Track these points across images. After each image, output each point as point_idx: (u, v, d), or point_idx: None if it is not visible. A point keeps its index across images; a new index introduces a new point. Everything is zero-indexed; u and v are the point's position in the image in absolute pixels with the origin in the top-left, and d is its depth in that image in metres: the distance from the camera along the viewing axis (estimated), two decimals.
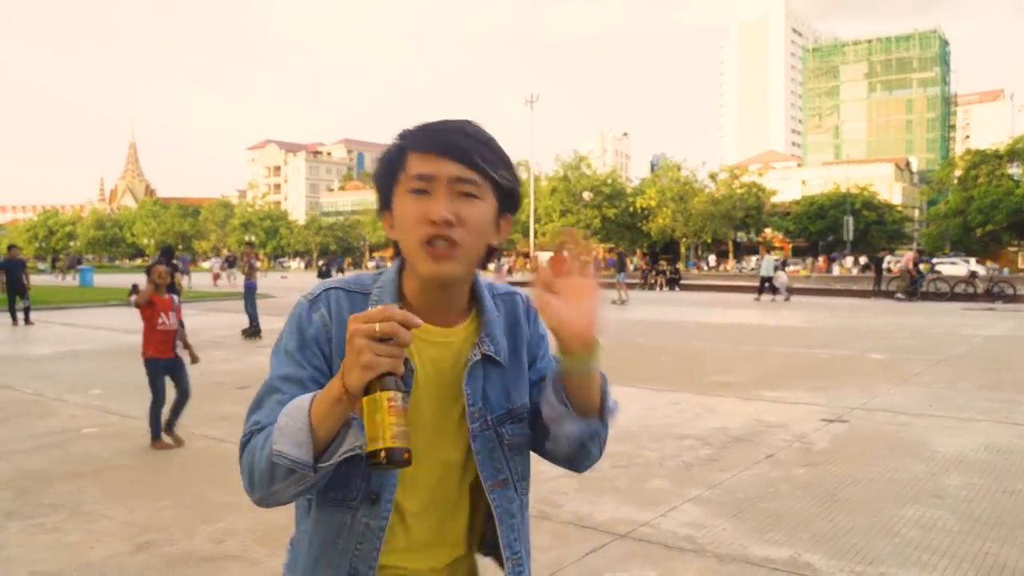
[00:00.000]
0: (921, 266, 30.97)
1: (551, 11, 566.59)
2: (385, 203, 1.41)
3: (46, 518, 4.90)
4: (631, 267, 44.70)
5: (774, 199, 71.88)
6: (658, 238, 69.93)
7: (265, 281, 32.76)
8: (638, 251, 63.05)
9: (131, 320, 18.98)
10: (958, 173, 67.05)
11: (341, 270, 46.40)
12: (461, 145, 1.33)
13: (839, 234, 63.34)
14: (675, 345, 14.21)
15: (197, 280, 38.77)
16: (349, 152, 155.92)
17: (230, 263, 43.74)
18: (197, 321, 16.11)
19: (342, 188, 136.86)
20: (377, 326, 1.12)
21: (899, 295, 27.60)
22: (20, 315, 18.03)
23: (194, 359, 7.12)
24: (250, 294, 15.55)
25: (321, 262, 41.94)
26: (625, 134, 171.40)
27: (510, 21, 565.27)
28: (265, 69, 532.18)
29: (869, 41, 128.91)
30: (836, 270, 57.94)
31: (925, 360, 11.75)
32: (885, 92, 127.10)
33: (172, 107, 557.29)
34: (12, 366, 11.63)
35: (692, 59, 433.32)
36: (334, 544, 1.39)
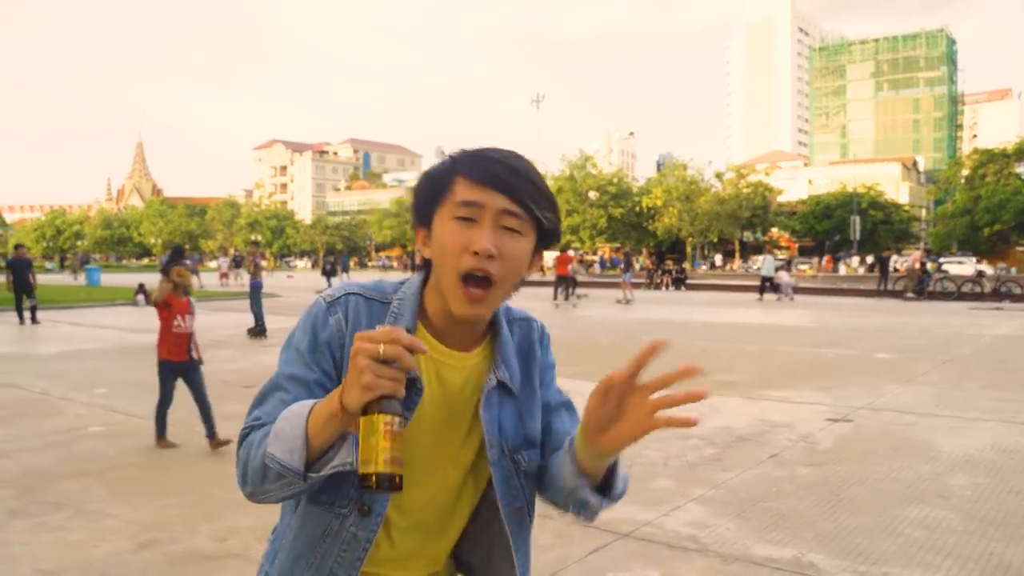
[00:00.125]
0: (928, 265, 30.90)
1: (557, 10, 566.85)
2: (424, 220, 1.39)
3: (50, 516, 4.91)
4: (637, 267, 44.69)
5: (780, 199, 71.71)
6: (664, 238, 69.88)
7: (271, 280, 32.87)
8: (644, 250, 63.02)
9: (137, 319, 19.10)
10: (965, 172, 66.89)
11: (346, 270, 46.42)
12: (511, 181, 1.32)
13: (846, 234, 63.14)
14: (680, 344, 14.18)
15: (206, 280, 38.82)
16: (355, 152, 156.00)
17: (237, 263, 43.81)
18: (203, 320, 16.03)
19: (348, 188, 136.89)
20: (382, 348, 1.11)
21: (909, 294, 27.52)
22: (27, 314, 18.08)
23: (199, 360, 7.07)
24: (256, 293, 15.56)
25: (329, 260, 41.94)
26: (631, 133, 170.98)
27: (516, 21, 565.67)
28: (271, 69, 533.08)
29: (876, 40, 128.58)
30: (843, 270, 57.84)
31: (931, 360, 11.72)
32: (892, 91, 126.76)
33: (179, 107, 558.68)
34: (19, 365, 11.66)
35: (698, 59, 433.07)
36: (318, 546, 1.38)
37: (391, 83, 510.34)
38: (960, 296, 28.01)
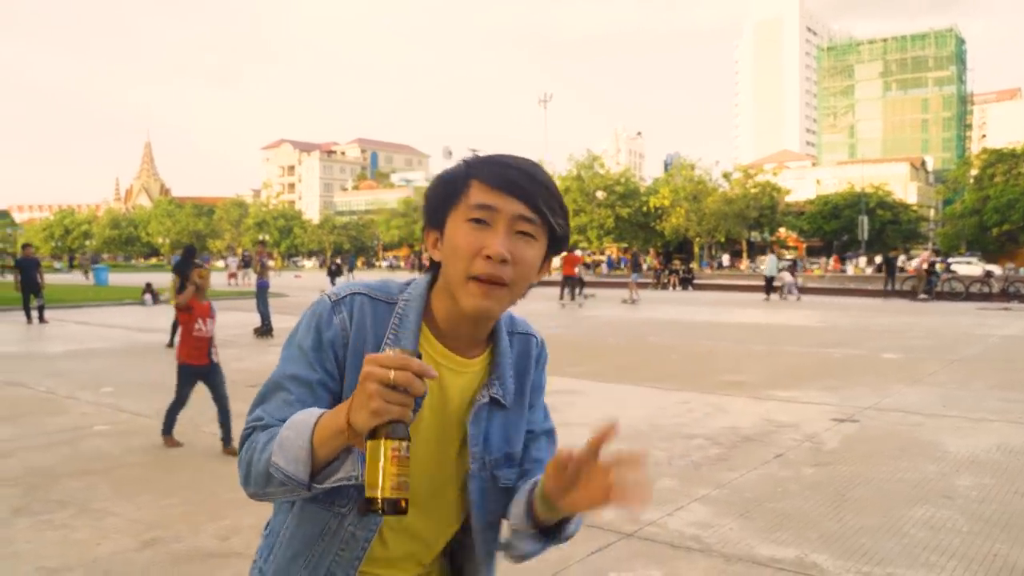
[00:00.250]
0: (937, 265, 30.81)
1: (564, 10, 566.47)
2: (436, 222, 1.39)
3: (54, 514, 4.92)
4: (644, 267, 44.65)
5: (788, 198, 71.60)
6: (671, 237, 69.79)
7: (278, 280, 32.97)
8: (651, 250, 62.98)
9: (144, 319, 19.16)
10: (974, 172, 66.70)
11: (352, 270, 46.46)
12: (528, 187, 1.33)
13: (854, 234, 63.03)
14: (686, 344, 14.17)
15: (214, 279, 38.94)
16: (363, 152, 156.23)
17: (246, 262, 43.90)
18: None
19: (356, 187, 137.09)
20: (392, 374, 1.10)
21: (921, 295, 27.39)
22: (35, 313, 18.14)
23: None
24: (262, 293, 15.58)
25: (337, 260, 41.94)
26: (639, 133, 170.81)
27: (523, 20, 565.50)
28: (279, 69, 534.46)
29: (884, 40, 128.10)
30: (850, 270, 57.68)
31: (939, 360, 11.67)
32: (900, 91, 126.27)
33: (187, 107, 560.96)
34: (26, 364, 11.70)
35: (706, 58, 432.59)
36: (316, 544, 1.38)
37: (399, 83, 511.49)
38: (968, 296, 27.91)
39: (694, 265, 53.61)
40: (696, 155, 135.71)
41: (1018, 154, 62.21)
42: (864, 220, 60.80)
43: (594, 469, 1.23)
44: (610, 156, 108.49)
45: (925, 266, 28.84)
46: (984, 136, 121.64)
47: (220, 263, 65.56)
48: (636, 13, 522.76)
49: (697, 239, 70.00)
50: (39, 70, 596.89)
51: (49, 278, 20.59)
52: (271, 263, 18.69)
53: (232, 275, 41.65)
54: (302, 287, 35.34)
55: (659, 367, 11.32)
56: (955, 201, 70.77)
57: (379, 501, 1.10)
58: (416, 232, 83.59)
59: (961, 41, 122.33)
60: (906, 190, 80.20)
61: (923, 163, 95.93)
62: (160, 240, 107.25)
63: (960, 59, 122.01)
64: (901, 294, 29.35)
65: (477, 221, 1.32)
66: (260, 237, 77.99)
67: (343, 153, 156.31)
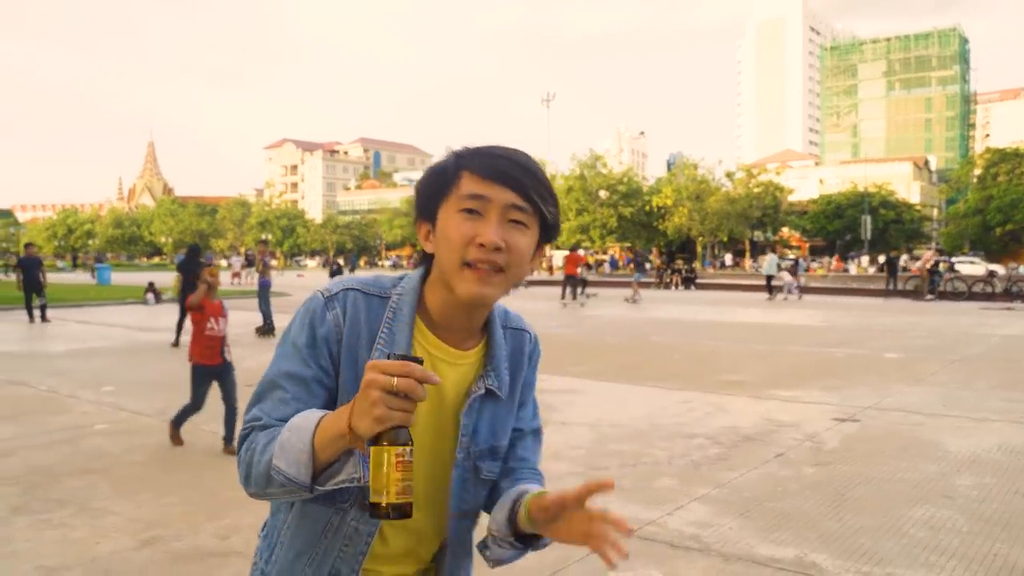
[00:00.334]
0: (940, 265, 30.76)
1: (565, 9, 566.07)
2: (428, 214, 1.40)
3: (53, 513, 4.92)
4: (647, 267, 44.61)
5: (791, 198, 71.48)
6: (674, 237, 69.69)
7: (281, 279, 32.97)
8: (654, 249, 62.91)
9: (146, 318, 19.18)
10: (977, 172, 66.62)
11: (354, 269, 46.44)
12: (517, 175, 1.33)
13: (857, 233, 62.94)
14: (688, 344, 14.15)
15: (221, 278, 38.94)
16: (366, 151, 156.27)
17: (250, 262, 43.93)
18: None
19: (359, 187, 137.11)
20: (395, 381, 1.10)
21: (928, 296, 27.33)
22: (37, 312, 18.16)
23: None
24: (264, 292, 15.61)
25: (339, 260, 41.92)
26: (642, 133, 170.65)
27: (524, 20, 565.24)
28: (282, 69, 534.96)
29: (888, 39, 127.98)
30: (853, 269, 57.62)
31: (940, 360, 11.66)
32: (904, 90, 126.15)
33: (190, 106, 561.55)
34: (28, 363, 11.72)
35: (709, 58, 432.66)
36: (319, 542, 1.38)
37: (401, 83, 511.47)
38: (971, 296, 27.87)
39: (697, 265, 53.56)
40: (699, 155, 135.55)
41: (1021, 153, 62.15)
42: (867, 220, 60.71)
43: (579, 513, 1.27)
44: (613, 156, 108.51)
45: (928, 266, 28.79)
46: (987, 135, 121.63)
47: (223, 262, 65.60)
48: (638, 13, 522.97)
49: (700, 239, 69.89)
50: (48, 70, 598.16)
51: (53, 277, 20.61)
52: (273, 262, 18.68)
53: (236, 274, 41.72)
54: (304, 286, 35.33)
55: (661, 366, 11.31)
56: (958, 201, 70.67)
57: (385, 506, 1.12)
58: None
59: (964, 40, 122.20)
60: (909, 190, 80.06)
61: (926, 162, 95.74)
62: (163, 239, 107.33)
63: (963, 58, 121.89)
64: (903, 294, 29.32)
65: (469, 211, 1.32)
66: (262, 236, 78.21)
67: (346, 152, 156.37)
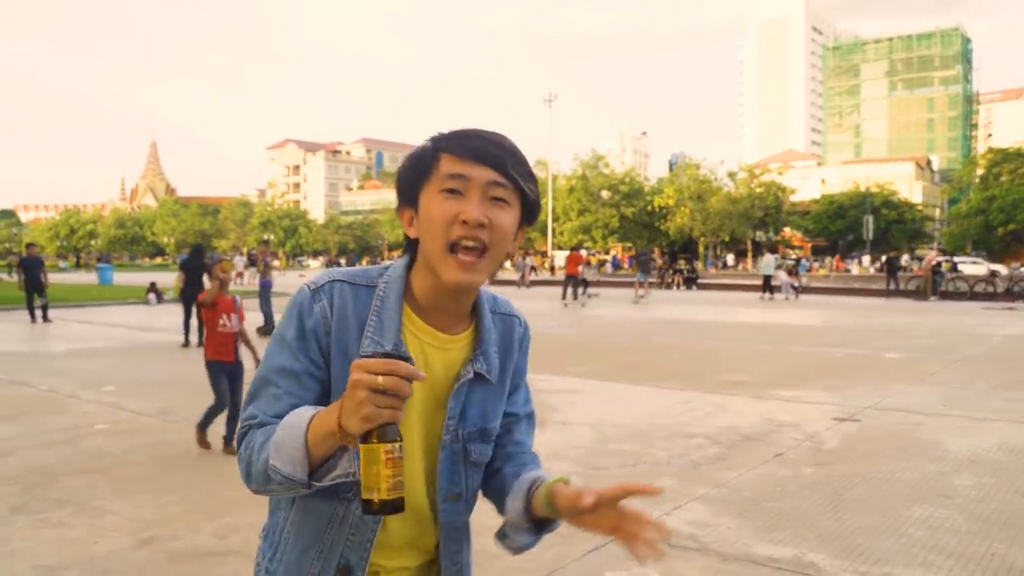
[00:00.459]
0: (943, 265, 30.74)
1: (566, 9, 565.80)
2: (409, 200, 1.41)
3: (52, 513, 4.93)
4: (652, 267, 44.54)
5: (793, 198, 71.46)
6: (676, 237, 69.66)
7: (283, 279, 32.88)
8: (656, 249, 62.86)
9: (148, 318, 19.19)
10: (980, 172, 66.57)
11: None
12: (496, 153, 1.35)
13: (859, 233, 62.85)
14: (689, 344, 14.15)
15: None
16: (368, 151, 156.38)
17: (252, 262, 43.94)
18: None
19: (361, 187, 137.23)
20: (380, 379, 1.12)
21: (932, 296, 27.29)
22: (38, 312, 18.18)
23: (257, 360, 6.49)
24: (265, 292, 15.62)
25: (340, 260, 41.96)
26: (644, 133, 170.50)
27: (525, 20, 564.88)
28: (283, 69, 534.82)
29: (890, 39, 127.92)
30: (855, 269, 57.59)
31: (941, 359, 11.65)
32: (906, 90, 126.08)
33: (192, 107, 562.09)
34: (29, 363, 11.73)
35: (711, 58, 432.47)
36: (325, 535, 1.39)
37: (402, 83, 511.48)
38: (973, 296, 27.84)
39: (699, 264, 53.51)
40: (701, 155, 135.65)
41: (1023, 154, 62.04)
42: (869, 220, 60.63)
43: (612, 511, 1.29)
44: (615, 156, 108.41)
45: (930, 266, 28.76)
46: (990, 135, 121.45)
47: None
48: (639, 13, 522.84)
49: (702, 239, 69.87)
50: (48, 70, 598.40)
51: (55, 277, 20.63)
52: (276, 263, 18.68)
53: (239, 274, 41.76)
54: None
55: (661, 366, 11.30)
56: (960, 201, 70.60)
57: (377, 503, 1.13)
58: None
59: (967, 40, 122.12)
60: (911, 190, 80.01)
61: (928, 162, 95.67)
62: (165, 240, 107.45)
63: (966, 58, 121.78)
64: (904, 294, 29.29)
65: (450, 191, 1.33)
66: (265, 237, 78.23)
67: (348, 153, 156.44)
